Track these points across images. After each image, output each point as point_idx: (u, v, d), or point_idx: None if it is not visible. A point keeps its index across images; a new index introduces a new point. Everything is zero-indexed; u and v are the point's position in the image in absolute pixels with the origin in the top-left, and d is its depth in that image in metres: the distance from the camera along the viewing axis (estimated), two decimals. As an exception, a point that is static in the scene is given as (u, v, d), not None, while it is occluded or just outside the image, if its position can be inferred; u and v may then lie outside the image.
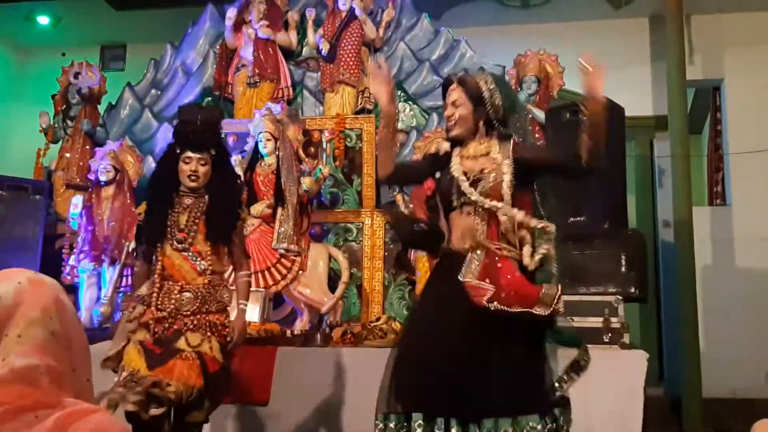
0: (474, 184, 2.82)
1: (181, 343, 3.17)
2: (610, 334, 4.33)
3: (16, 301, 1.13)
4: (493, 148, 2.88)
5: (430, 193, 3.11)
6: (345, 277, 5.30)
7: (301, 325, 5.23)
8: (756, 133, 7.50)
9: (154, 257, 3.38)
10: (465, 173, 2.85)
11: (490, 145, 2.90)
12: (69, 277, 5.83)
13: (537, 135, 5.76)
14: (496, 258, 2.72)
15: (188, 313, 3.23)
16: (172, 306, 3.23)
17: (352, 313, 5.68)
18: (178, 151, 3.37)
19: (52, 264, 5.85)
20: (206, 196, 3.39)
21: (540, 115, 5.71)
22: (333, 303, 5.21)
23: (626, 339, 4.35)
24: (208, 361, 3.17)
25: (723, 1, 7.29)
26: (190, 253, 3.32)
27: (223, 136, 3.58)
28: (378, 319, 4.94)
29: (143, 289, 3.35)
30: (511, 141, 2.91)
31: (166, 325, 3.22)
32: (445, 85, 3.05)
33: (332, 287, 5.30)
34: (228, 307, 3.39)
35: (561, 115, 5.06)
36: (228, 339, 3.30)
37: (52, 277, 1.26)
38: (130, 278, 5.78)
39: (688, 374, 6.55)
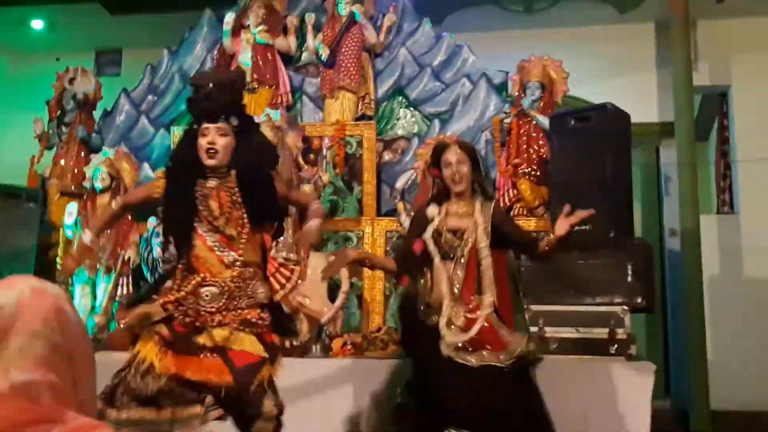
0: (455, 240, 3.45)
1: (202, 339, 2.87)
2: (616, 346, 4.33)
3: (18, 311, 1.13)
4: (476, 208, 3.48)
5: (419, 251, 3.45)
6: (345, 286, 5.30)
7: (299, 336, 5.22)
8: (764, 140, 7.50)
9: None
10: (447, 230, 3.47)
11: (473, 205, 3.49)
12: (63, 287, 5.83)
13: (541, 142, 5.77)
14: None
15: (213, 310, 2.91)
16: (198, 303, 2.91)
17: (352, 323, 5.67)
18: (195, 126, 3.01)
19: (46, 274, 5.83)
20: (233, 175, 3.00)
21: (544, 121, 5.71)
22: (333, 313, 5.20)
23: (633, 350, 4.35)
24: (233, 355, 2.84)
25: (730, 7, 7.31)
26: (217, 243, 2.96)
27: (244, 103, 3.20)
28: (379, 330, 4.94)
29: (168, 284, 3.06)
30: (493, 204, 3.55)
31: (188, 319, 2.90)
32: (440, 149, 3.58)
33: (332, 297, 5.29)
34: (263, 304, 3.03)
35: (566, 122, 5.06)
36: (265, 334, 2.95)
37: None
38: (125, 288, 5.78)
39: (696, 386, 6.54)
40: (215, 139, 2.95)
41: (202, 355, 2.84)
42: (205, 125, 2.96)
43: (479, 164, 3.59)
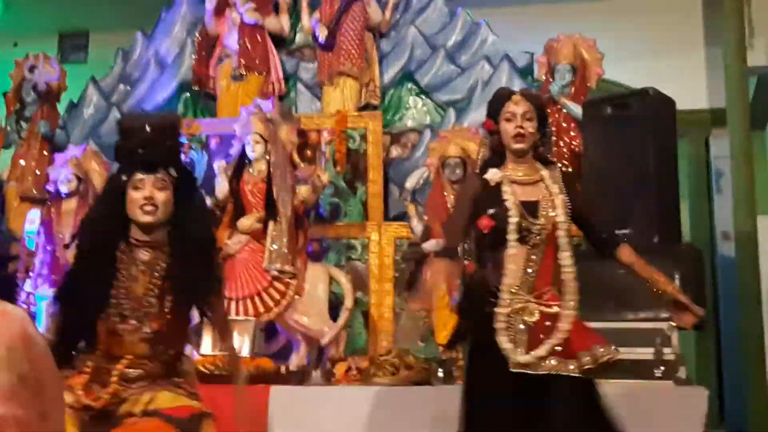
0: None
1: (126, 406, 2.73)
2: (662, 368, 4.31)
3: None
4: (544, 175, 3.21)
5: (488, 231, 3.17)
6: (348, 302, 5.30)
7: (297, 359, 5.24)
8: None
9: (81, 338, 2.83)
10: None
11: (537, 170, 3.23)
12: (25, 306, 5.84)
13: (573, 133, 5.77)
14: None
15: (134, 385, 2.76)
16: (112, 384, 2.73)
17: (357, 344, 5.68)
18: (123, 177, 2.82)
19: (4, 290, 5.86)
20: (168, 247, 2.84)
21: (576, 109, 5.71)
22: (335, 333, 5.21)
23: (682, 373, 4.34)
24: (172, 412, 2.72)
25: (790, -27, 7.30)
26: (146, 326, 2.78)
27: (183, 151, 3.14)
28: (388, 353, 4.94)
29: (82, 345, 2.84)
30: (558, 170, 3.29)
31: (100, 399, 2.71)
32: (501, 97, 3.27)
33: (334, 315, 5.30)
34: (188, 377, 2.95)
35: (601, 109, 5.06)
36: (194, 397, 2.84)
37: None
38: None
39: (755, 412, 6.53)
40: (153, 192, 2.78)
41: (132, 420, 2.69)
42: (140, 176, 2.78)
43: (547, 121, 3.37)
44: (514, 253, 3.08)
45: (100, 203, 3.01)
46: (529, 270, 3.09)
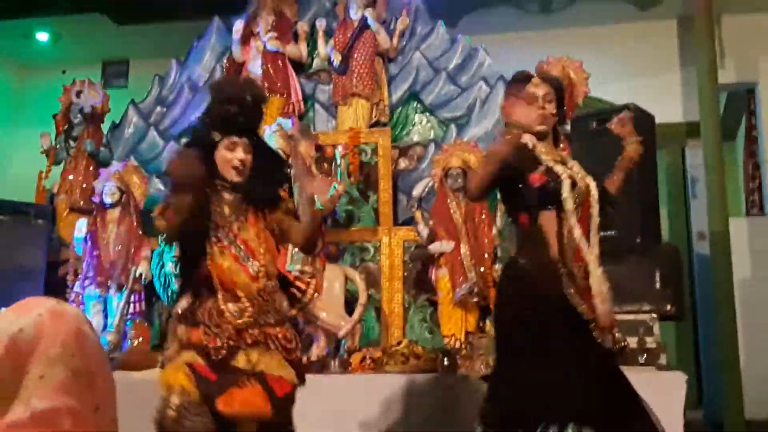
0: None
1: (239, 361, 2.72)
2: (645, 355, 4.30)
3: (37, 335, 1.13)
4: (566, 157, 3.03)
5: (539, 185, 2.85)
6: (362, 299, 5.30)
7: (317, 351, 5.23)
8: (794, 138, 7.47)
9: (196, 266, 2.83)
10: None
11: (557, 151, 3.03)
12: (74, 305, 5.86)
13: (561, 146, 5.75)
14: None
15: (244, 326, 2.76)
16: (227, 323, 2.74)
17: (370, 337, 5.67)
18: (217, 137, 2.85)
19: (56, 291, 5.87)
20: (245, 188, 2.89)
21: (565, 125, 5.70)
22: (350, 327, 5.20)
23: (663, 360, 4.32)
24: (273, 382, 2.73)
25: (756, 0, 7.27)
26: (241, 252, 2.81)
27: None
28: (399, 344, 4.93)
29: (183, 303, 2.85)
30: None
31: (219, 344, 2.73)
32: (522, 79, 3.06)
33: (349, 310, 5.30)
34: (288, 320, 2.95)
35: (587, 124, 5.06)
36: (295, 355, 2.86)
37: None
38: (137, 305, 5.81)
39: (729, 395, 6.48)
40: (245, 156, 2.85)
41: (240, 383, 2.69)
42: (235, 139, 2.84)
43: (563, 103, 3.10)
44: (569, 208, 2.85)
45: (191, 152, 2.87)
46: (571, 238, 2.85)
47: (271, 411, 2.69)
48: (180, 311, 2.84)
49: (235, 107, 2.84)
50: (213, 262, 2.80)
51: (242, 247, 2.84)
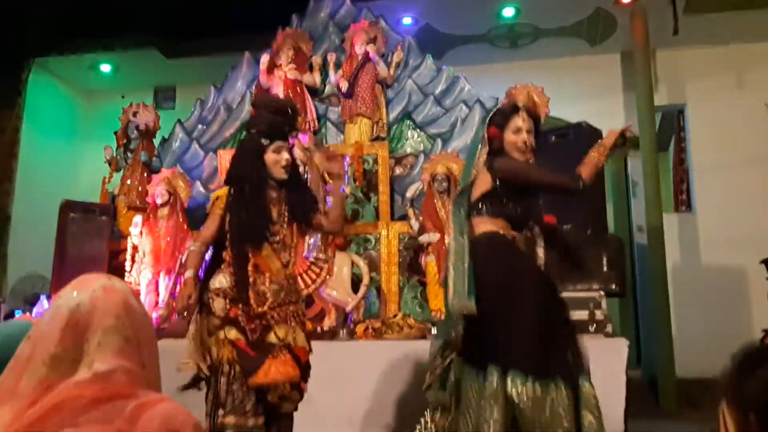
0: None
1: (271, 337, 2.73)
2: (594, 325, 4.30)
3: (93, 308, 1.13)
4: None
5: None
6: (366, 280, 5.29)
7: (329, 322, 5.22)
8: (715, 150, 7.47)
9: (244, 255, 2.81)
10: None
11: None
12: (131, 285, 5.84)
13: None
14: None
15: (275, 305, 2.77)
16: (267, 301, 2.75)
17: (372, 311, 5.65)
18: (266, 141, 2.85)
19: (117, 274, 5.84)
20: (284, 187, 2.91)
21: (529, 138, 5.69)
22: (356, 302, 5.19)
23: (609, 329, 4.32)
24: (299, 351, 2.77)
25: (685, 37, 7.26)
26: (279, 245, 2.83)
27: None
28: (395, 316, 4.93)
29: (222, 281, 2.79)
30: None
31: (257, 321, 2.74)
32: (509, 111, 2.97)
33: (355, 289, 5.29)
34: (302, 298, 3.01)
35: (547, 138, 5.03)
36: (308, 328, 2.93)
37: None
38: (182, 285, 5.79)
39: (662, 357, 6.50)
40: (288, 156, 2.88)
41: (274, 354, 2.70)
42: (280, 143, 2.86)
43: (539, 133, 3.04)
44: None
45: (247, 159, 2.89)
46: None
47: (300, 375, 2.74)
48: (218, 286, 2.79)
49: (282, 117, 2.88)
50: (261, 257, 2.79)
51: (279, 239, 2.84)
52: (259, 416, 2.69)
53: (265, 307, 2.75)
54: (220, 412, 2.67)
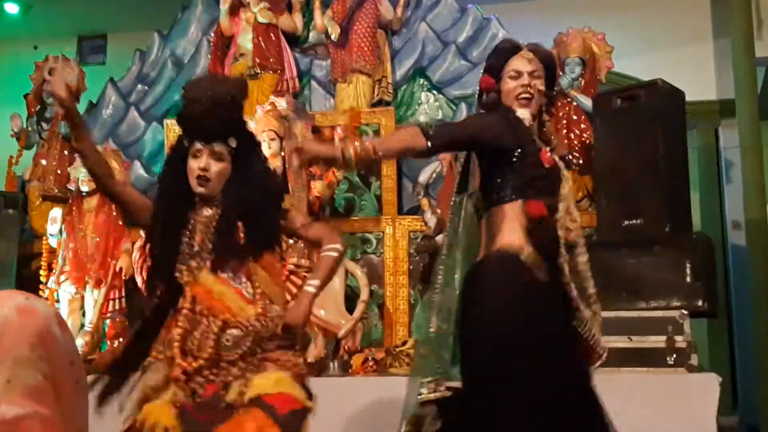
0: None
1: (231, 395, 2.61)
2: (675, 356, 4.29)
3: (2, 334, 1.12)
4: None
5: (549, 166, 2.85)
6: (364, 295, 5.30)
7: (315, 352, 5.23)
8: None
9: (171, 290, 2.75)
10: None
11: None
12: (48, 302, 5.86)
13: (583, 125, 5.75)
14: None
15: (236, 357, 2.65)
16: (210, 350, 2.64)
17: (373, 336, 5.67)
18: (185, 143, 2.80)
19: (28, 288, 5.83)
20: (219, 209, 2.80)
21: (586, 102, 5.70)
22: (351, 326, 5.20)
23: (694, 360, 4.31)
24: (274, 401, 2.59)
25: (796, -35, 7.25)
26: (232, 274, 2.74)
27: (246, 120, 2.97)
28: (404, 344, 4.94)
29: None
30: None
31: (203, 379, 2.64)
32: (505, 51, 2.93)
33: (350, 308, 5.30)
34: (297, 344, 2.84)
35: (611, 102, 5.04)
36: (304, 379, 2.73)
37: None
38: (117, 302, 5.80)
39: (767, 400, 6.49)
40: (208, 164, 2.76)
41: (235, 414, 2.56)
42: (198, 146, 2.76)
43: (554, 83, 2.96)
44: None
45: (166, 164, 2.94)
46: None
47: (280, 430, 2.56)
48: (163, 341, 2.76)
49: (196, 111, 2.76)
50: (200, 286, 2.73)
51: (234, 270, 2.77)
52: None
53: (204, 360, 2.66)
54: None
